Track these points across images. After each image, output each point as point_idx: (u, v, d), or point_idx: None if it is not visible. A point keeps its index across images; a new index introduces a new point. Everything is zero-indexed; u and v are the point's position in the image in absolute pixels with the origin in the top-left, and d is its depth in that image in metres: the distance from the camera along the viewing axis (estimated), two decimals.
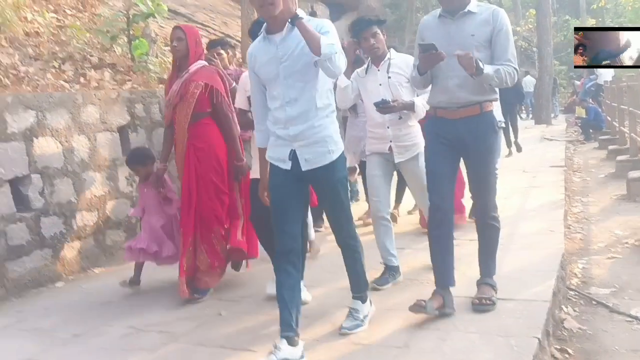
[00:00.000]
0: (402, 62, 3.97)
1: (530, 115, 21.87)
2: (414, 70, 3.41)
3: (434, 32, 3.33)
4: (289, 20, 2.80)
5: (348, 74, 3.97)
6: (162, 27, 8.92)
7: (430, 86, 3.48)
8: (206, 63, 4.22)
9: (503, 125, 5.84)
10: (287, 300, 2.92)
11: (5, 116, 4.45)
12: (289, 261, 2.99)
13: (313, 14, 27.41)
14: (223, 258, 4.15)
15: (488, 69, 3.14)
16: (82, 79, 5.98)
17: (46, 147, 4.79)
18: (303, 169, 2.96)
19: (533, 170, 8.93)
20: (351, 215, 3.18)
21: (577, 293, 4.23)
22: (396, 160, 3.98)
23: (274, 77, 2.92)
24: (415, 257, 4.47)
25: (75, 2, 8.95)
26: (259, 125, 3.15)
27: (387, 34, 3.90)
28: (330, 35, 2.82)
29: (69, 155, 5.00)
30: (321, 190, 3.16)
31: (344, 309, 3.36)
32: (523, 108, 21.37)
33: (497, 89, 3.45)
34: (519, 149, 11.06)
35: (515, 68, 3.25)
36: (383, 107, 3.78)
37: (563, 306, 3.91)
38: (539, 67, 21.19)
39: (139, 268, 4.35)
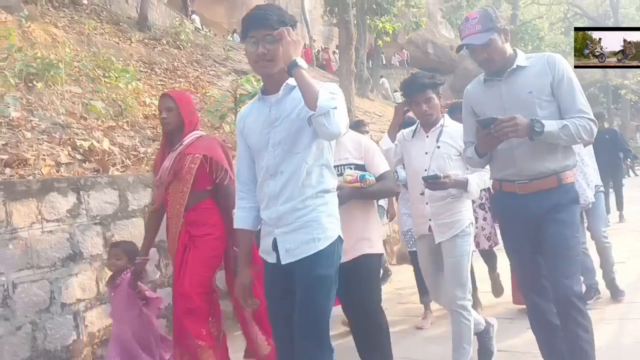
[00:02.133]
0: (456, 133, 3.39)
1: None
2: (469, 149, 2.95)
3: (482, 100, 2.89)
4: (287, 68, 2.27)
5: (392, 136, 3.60)
6: None
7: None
8: (203, 133, 3.60)
9: (602, 189, 5.22)
10: None
11: (127, 195, 4.83)
12: None
13: None
14: None
15: (550, 126, 2.62)
16: None
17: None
18: (282, 262, 2.37)
19: None
20: (327, 335, 2.35)
21: None
22: (437, 241, 3.38)
23: (264, 145, 2.42)
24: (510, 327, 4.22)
25: (188, 85, 9.73)
26: (241, 201, 2.58)
27: None
28: (333, 92, 2.28)
29: None
30: (297, 287, 2.37)
31: None
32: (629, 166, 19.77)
33: (591, 152, 2.97)
34: (621, 218, 9.97)
35: (590, 119, 2.69)
36: (432, 182, 3.22)
37: None
38: None
39: None
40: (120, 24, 12.33)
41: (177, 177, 3.39)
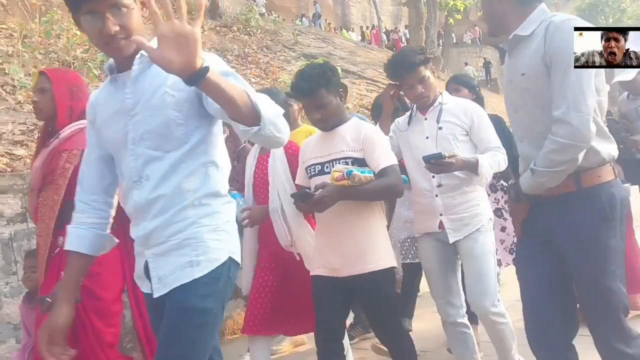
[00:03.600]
0: (457, 109, 2.85)
1: None
2: (526, 175, 2.11)
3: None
4: (188, 79, 1.40)
5: (386, 127, 3.01)
6: None
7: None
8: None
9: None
10: None
11: None
12: None
13: (487, 64, 26.73)
14: None
15: (525, 181, 1.98)
16: None
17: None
18: (155, 295, 1.74)
19: None
20: None
21: None
22: (451, 240, 2.79)
23: (122, 142, 1.74)
24: None
25: (259, 72, 9.91)
26: (79, 215, 1.89)
27: None
28: (239, 78, 1.62)
29: None
30: (163, 324, 1.73)
31: None
32: None
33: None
34: None
35: (564, 121, 1.82)
36: (435, 163, 2.61)
37: None
38: None
39: None
40: (192, 12, 12.64)
41: (47, 181, 2.55)
